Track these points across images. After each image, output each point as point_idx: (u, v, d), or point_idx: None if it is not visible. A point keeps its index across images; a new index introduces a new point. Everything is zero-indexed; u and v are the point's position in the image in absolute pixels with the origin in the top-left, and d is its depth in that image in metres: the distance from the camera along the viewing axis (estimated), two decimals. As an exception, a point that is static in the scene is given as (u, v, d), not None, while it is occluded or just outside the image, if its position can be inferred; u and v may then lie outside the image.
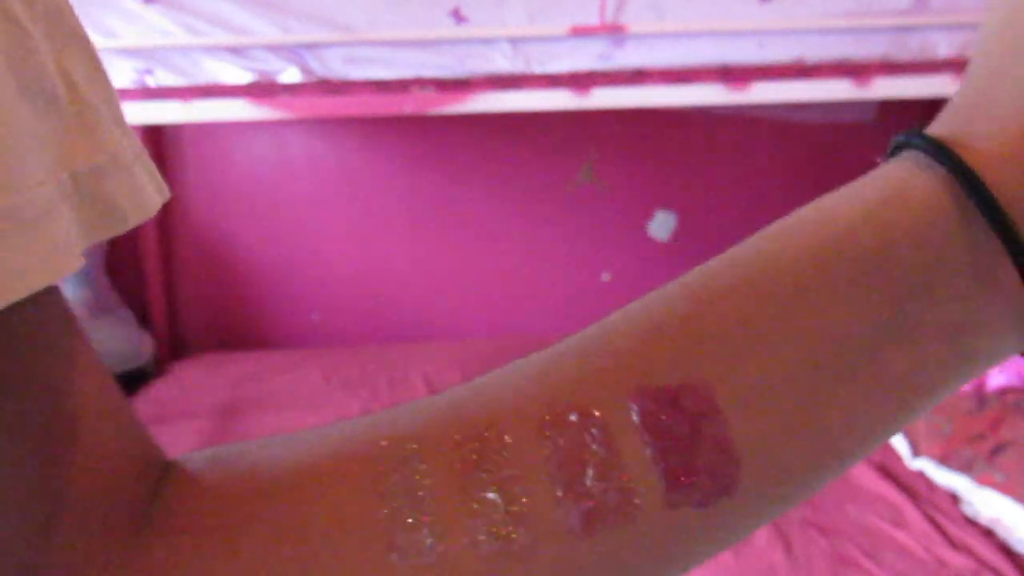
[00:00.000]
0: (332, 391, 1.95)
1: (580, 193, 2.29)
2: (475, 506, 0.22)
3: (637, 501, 0.22)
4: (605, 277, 2.35)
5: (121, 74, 1.62)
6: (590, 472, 0.22)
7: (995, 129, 0.22)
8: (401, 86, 1.65)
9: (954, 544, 1.35)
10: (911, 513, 1.43)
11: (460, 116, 1.77)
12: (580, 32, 1.58)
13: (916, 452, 1.61)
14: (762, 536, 1.40)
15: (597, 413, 0.23)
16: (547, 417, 0.23)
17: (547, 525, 0.22)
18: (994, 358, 0.24)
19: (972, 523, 1.41)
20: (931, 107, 2.40)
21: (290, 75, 1.64)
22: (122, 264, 2.20)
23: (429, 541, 0.22)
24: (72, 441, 0.22)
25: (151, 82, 1.64)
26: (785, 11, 1.58)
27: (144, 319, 2.23)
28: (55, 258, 0.19)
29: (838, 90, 1.64)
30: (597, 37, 1.60)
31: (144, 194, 0.24)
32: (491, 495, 0.22)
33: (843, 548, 1.36)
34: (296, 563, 0.22)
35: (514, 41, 1.61)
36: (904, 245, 0.22)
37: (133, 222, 0.23)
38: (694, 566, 0.24)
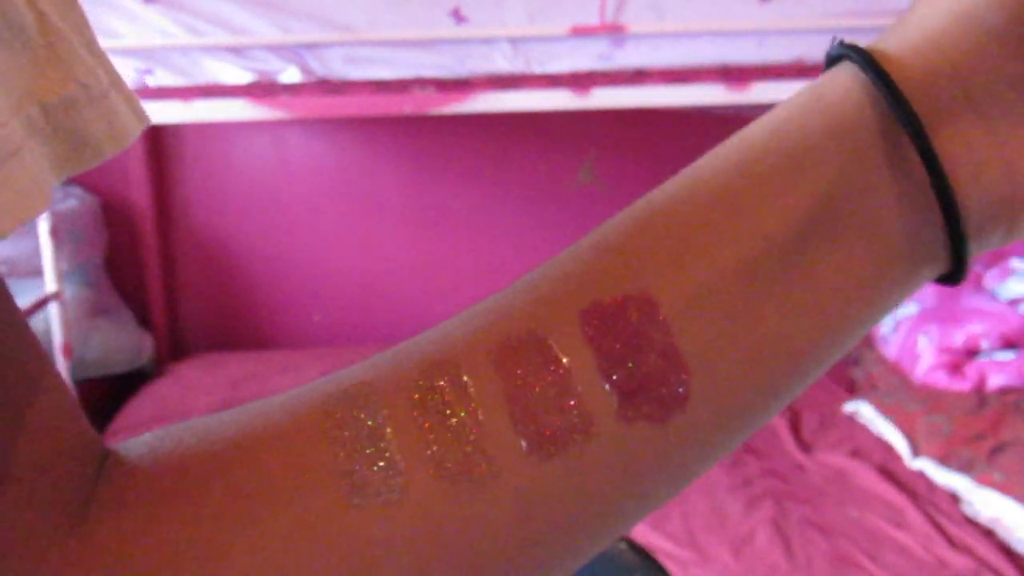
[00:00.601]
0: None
1: (580, 193, 2.29)
2: (432, 436, 0.22)
3: (592, 419, 0.22)
4: (605, 277, 2.35)
5: (121, 74, 1.62)
6: (545, 395, 0.22)
7: (905, 35, 0.24)
8: (401, 86, 1.65)
9: (954, 544, 1.35)
10: (911, 513, 1.43)
11: (460, 116, 1.77)
12: (580, 32, 1.58)
13: (916, 452, 1.61)
14: (762, 536, 1.40)
15: (548, 337, 0.23)
16: (501, 348, 0.23)
17: (506, 453, 0.22)
18: (915, 270, 0.24)
19: (972, 523, 1.41)
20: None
21: (290, 75, 1.64)
22: (122, 264, 2.20)
23: (390, 479, 0.22)
24: (13, 414, 0.21)
25: (151, 82, 1.64)
26: (785, 11, 1.58)
27: (144, 319, 2.23)
28: (21, 201, 0.19)
29: (838, 90, 1.64)
30: (597, 37, 1.60)
31: (120, 123, 0.23)
32: (450, 429, 0.22)
33: (843, 548, 1.36)
34: (255, 517, 0.22)
35: (514, 41, 1.61)
36: (822, 140, 0.23)
37: (108, 152, 0.23)
38: (659, 495, 0.24)
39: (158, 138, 2.17)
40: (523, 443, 0.22)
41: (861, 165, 0.23)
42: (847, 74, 0.24)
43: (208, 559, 0.22)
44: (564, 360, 0.23)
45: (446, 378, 0.23)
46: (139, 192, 2.17)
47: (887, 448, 1.66)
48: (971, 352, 1.85)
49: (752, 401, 0.24)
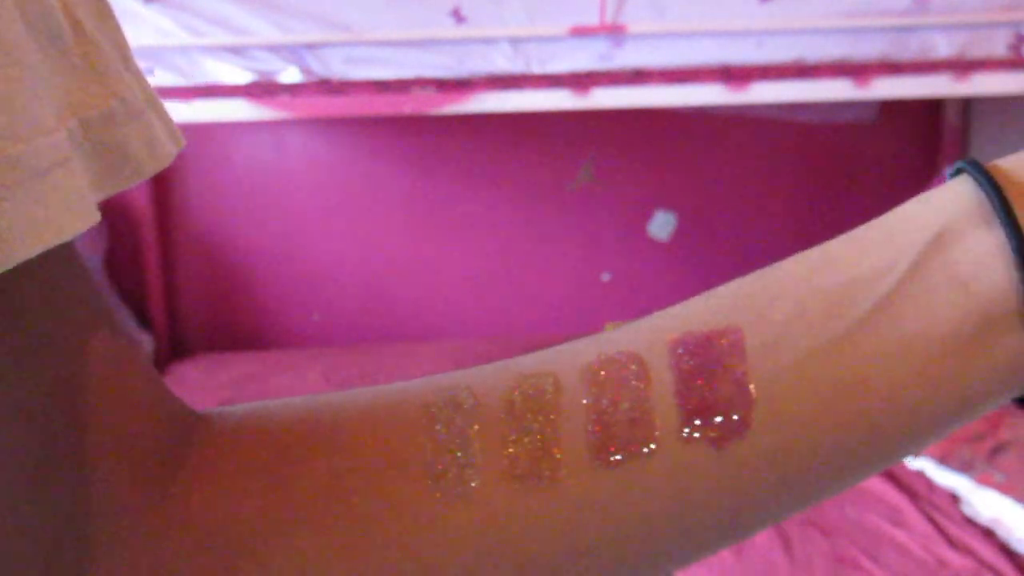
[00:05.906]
0: (332, 391, 1.94)
1: (580, 193, 2.29)
2: (512, 439, 0.24)
3: (653, 433, 0.23)
4: (605, 277, 2.35)
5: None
6: (622, 407, 0.23)
7: None
8: (401, 86, 1.64)
9: (954, 544, 1.35)
10: (911, 513, 1.43)
11: (460, 116, 1.77)
12: (580, 32, 1.58)
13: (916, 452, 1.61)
14: (762, 536, 1.39)
15: (639, 354, 0.24)
16: (593, 364, 0.24)
17: (572, 460, 0.23)
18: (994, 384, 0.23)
19: (972, 523, 1.41)
20: (931, 107, 2.41)
21: (290, 75, 1.64)
22: (121, 264, 2.20)
23: (466, 474, 0.23)
24: (97, 395, 0.22)
25: (151, 82, 1.63)
26: (785, 11, 1.58)
27: (144, 319, 2.23)
28: (69, 212, 0.18)
29: (838, 90, 1.64)
30: (597, 37, 1.60)
31: (159, 141, 0.23)
32: (529, 433, 0.24)
33: (843, 548, 1.36)
34: (346, 499, 0.23)
35: (514, 41, 1.61)
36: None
37: (149, 171, 0.23)
38: (707, 538, 0.24)
39: (158, 138, 2.17)
40: (589, 448, 0.23)
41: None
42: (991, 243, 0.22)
43: (296, 534, 0.23)
44: (646, 377, 0.23)
45: (537, 387, 0.24)
46: (138, 192, 2.17)
47: (887, 448, 1.66)
48: (971, 352, 1.84)
49: (818, 444, 0.23)
